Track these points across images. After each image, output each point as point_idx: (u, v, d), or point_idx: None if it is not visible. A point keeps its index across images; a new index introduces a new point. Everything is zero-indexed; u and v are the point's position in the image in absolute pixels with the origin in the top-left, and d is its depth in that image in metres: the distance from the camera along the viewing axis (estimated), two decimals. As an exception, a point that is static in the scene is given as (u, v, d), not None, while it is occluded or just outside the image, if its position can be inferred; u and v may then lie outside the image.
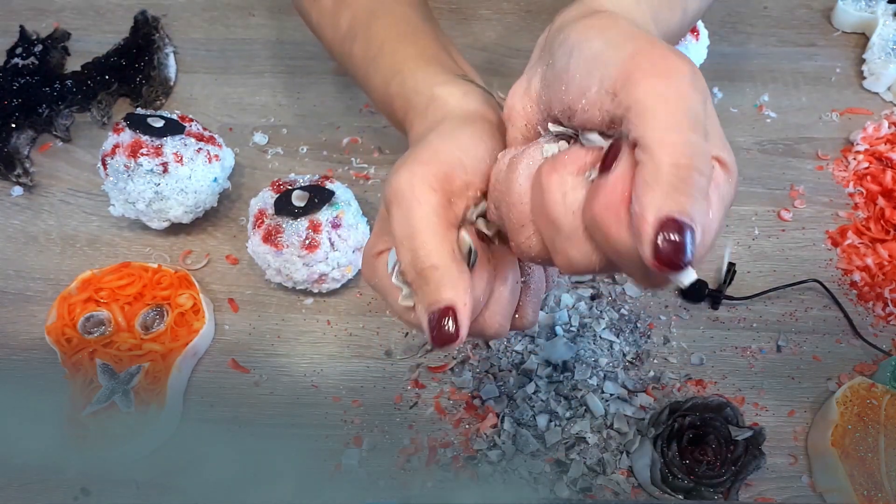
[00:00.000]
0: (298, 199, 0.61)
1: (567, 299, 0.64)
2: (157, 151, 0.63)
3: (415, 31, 0.53)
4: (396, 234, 0.37)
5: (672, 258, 0.28)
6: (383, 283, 0.40)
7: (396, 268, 0.39)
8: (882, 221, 0.67)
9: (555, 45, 0.36)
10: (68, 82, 0.77)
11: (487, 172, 0.39)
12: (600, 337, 0.62)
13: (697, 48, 0.71)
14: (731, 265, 0.65)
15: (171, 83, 0.79)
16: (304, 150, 0.74)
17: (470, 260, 0.37)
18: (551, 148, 0.36)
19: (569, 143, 0.36)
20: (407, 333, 0.64)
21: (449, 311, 0.36)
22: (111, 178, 0.64)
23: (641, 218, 0.29)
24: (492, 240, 0.40)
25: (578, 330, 0.62)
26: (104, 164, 0.64)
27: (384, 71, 0.51)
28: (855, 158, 0.71)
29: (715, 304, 0.64)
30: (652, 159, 0.29)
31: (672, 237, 0.28)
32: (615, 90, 0.31)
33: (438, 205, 0.37)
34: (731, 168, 0.35)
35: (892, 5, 0.77)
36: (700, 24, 0.72)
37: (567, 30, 0.36)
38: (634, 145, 0.30)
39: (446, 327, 0.36)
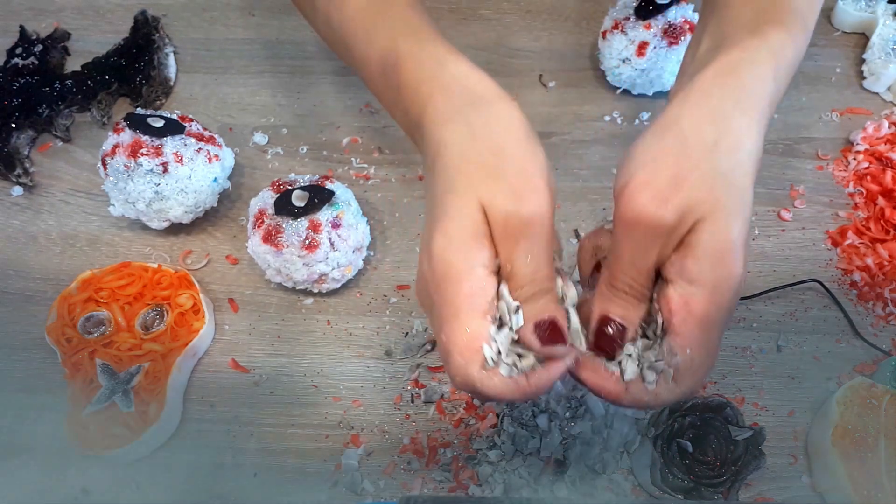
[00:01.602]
0: (298, 199, 0.61)
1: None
2: (157, 151, 0.63)
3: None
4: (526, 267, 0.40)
5: None
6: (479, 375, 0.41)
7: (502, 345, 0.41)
8: (882, 221, 0.67)
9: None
10: (68, 82, 0.77)
11: None
12: None
13: (697, 48, 0.71)
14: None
15: (171, 83, 0.79)
16: (304, 150, 0.74)
17: None
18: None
19: None
20: (406, 333, 0.64)
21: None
22: (111, 178, 0.64)
23: None
24: None
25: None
26: (104, 164, 0.64)
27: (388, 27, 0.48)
28: (855, 158, 0.71)
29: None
30: None
31: None
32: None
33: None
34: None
35: (892, 5, 0.77)
36: (700, 24, 0.72)
37: None
38: None
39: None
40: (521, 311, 0.41)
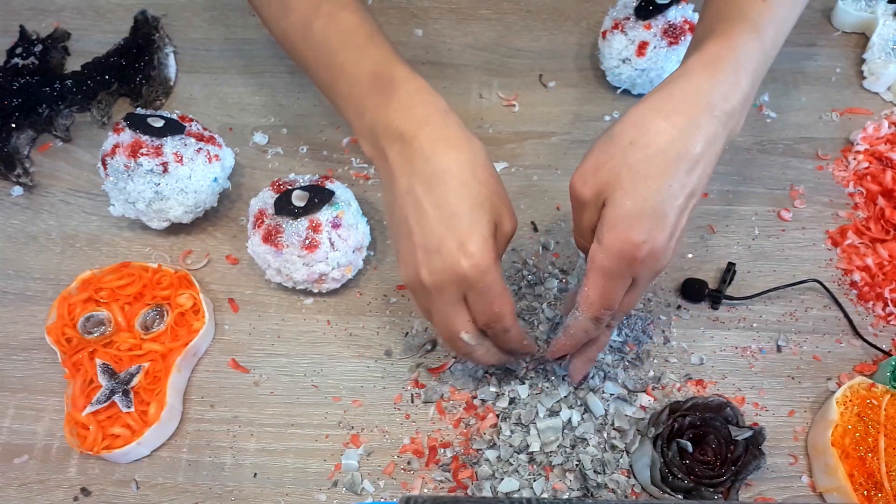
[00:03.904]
0: (298, 199, 0.61)
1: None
2: (157, 151, 0.63)
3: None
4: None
5: None
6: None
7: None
8: (882, 221, 0.67)
9: None
10: (68, 82, 0.77)
11: None
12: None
13: (697, 48, 0.71)
14: (731, 265, 0.65)
15: (171, 83, 0.79)
16: (304, 150, 0.74)
17: None
18: None
19: None
20: (407, 333, 0.64)
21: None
22: (111, 178, 0.64)
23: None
24: None
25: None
26: (104, 164, 0.64)
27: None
28: (855, 158, 0.71)
29: (715, 304, 0.64)
30: None
31: None
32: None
33: None
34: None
35: (892, 5, 0.77)
36: (700, 24, 0.72)
37: None
38: None
39: None
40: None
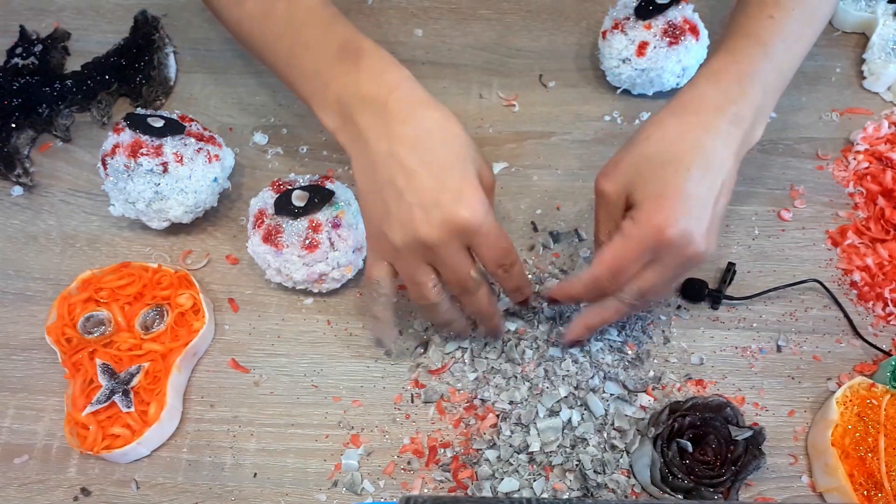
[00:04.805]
0: (298, 199, 0.61)
1: None
2: (157, 151, 0.63)
3: None
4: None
5: None
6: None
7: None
8: (882, 221, 0.67)
9: None
10: (68, 82, 0.77)
11: None
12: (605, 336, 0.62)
13: (698, 48, 0.71)
14: (731, 265, 0.65)
15: (171, 83, 0.79)
16: (304, 150, 0.74)
17: None
18: None
19: None
20: (401, 332, 0.64)
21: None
22: (111, 178, 0.64)
23: None
24: None
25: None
26: (104, 164, 0.64)
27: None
28: (855, 158, 0.71)
29: (715, 304, 0.64)
30: None
31: None
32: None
33: None
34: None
35: (892, 5, 0.77)
36: (700, 24, 0.72)
37: None
38: None
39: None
40: None
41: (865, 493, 0.54)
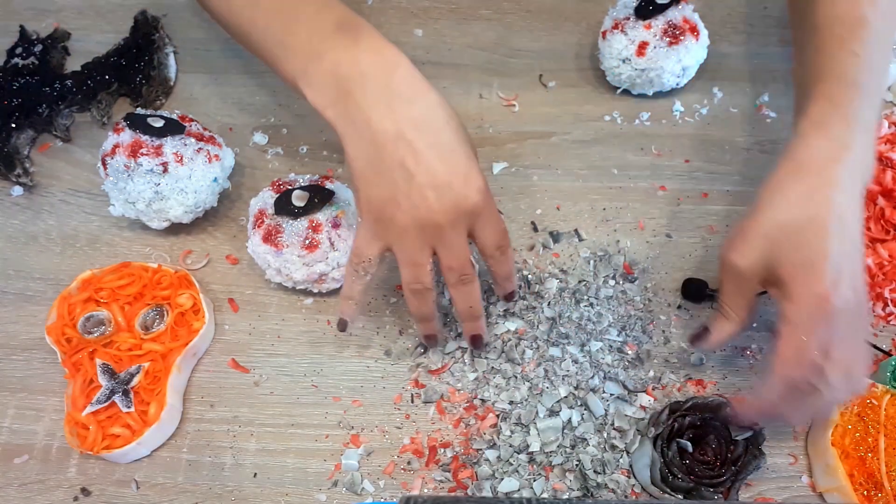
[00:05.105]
0: (298, 199, 0.61)
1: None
2: (157, 151, 0.63)
3: None
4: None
5: None
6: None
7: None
8: (882, 221, 0.67)
9: None
10: (68, 82, 0.77)
11: None
12: (606, 331, 0.62)
13: (698, 48, 0.71)
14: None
15: (171, 83, 0.79)
16: (304, 150, 0.74)
17: None
18: None
19: None
20: (401, 331, 0.64)
21: None
22: (111, 178, 0.64)
23: None
24: None
25: (583, 324, 0.62)
26: (104, 164, 0.64)
27: None
28: (855, 158, 0.71)
29: (715, 304, 0.64)
30: None
31: None
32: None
33: None
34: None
35: (892, 5, 0.77)
36: (700, 24, 0.72)
37: None
38: None
39: None
40: None
41: (865, 493, 0.54)
